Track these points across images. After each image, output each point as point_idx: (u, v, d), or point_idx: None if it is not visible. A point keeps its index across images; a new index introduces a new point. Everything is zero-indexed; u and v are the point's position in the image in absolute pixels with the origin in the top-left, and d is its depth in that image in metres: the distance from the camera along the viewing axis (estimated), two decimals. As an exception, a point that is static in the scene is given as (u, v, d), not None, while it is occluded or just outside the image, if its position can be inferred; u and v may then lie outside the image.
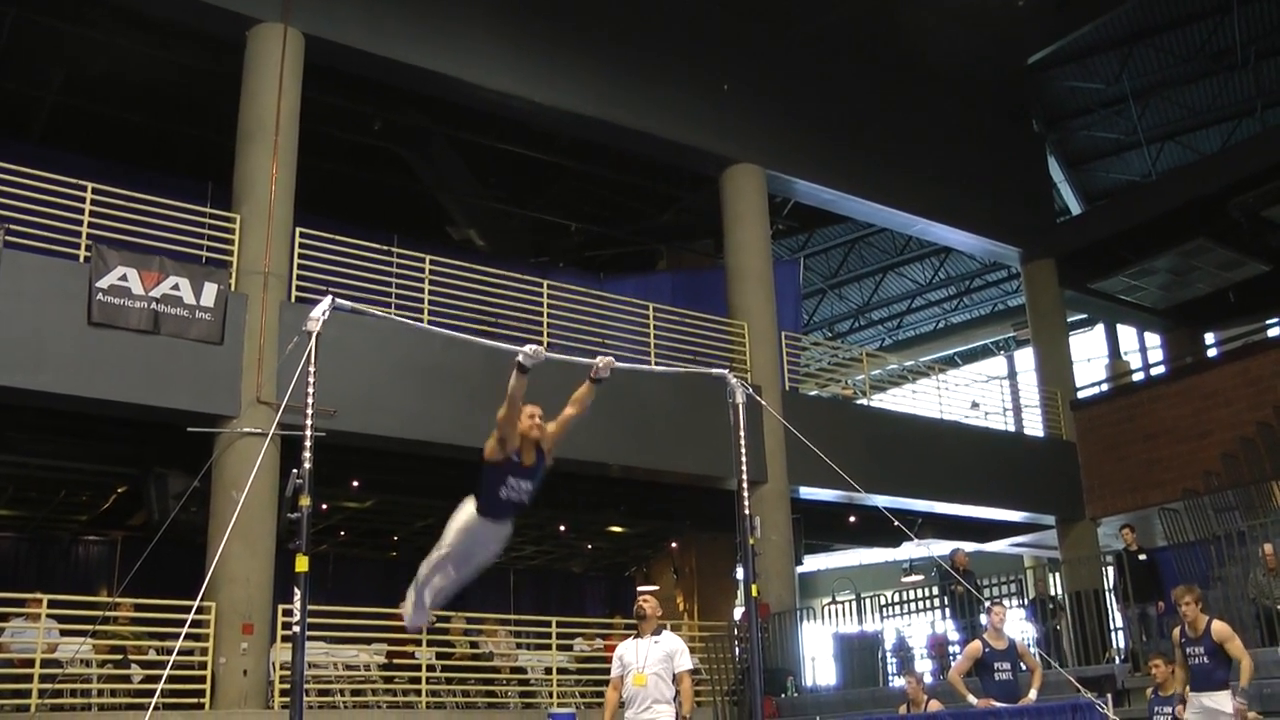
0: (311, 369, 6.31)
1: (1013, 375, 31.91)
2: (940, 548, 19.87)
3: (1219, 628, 9.04)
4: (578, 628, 18.00)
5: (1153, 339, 28.81)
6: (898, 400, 21.99)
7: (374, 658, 14.88)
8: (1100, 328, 29.39)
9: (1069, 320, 24.83)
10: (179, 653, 11.62)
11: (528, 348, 6.51)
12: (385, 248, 14.82)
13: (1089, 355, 30.01)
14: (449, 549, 6.84)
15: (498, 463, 6.60)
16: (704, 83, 18.34)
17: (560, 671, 16.13)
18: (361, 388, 13.48)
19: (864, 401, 20.81)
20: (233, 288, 13.22)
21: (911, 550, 26.52)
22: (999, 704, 9.90)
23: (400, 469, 17.80)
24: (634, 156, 19.07)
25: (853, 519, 22.48)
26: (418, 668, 14.61)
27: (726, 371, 8.04)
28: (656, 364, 14.57)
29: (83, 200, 12.59)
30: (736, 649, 15.81)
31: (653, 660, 7.64)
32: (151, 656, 12.84)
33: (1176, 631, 9.42)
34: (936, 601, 17.76)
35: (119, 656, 12.71)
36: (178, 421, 12.92)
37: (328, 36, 14.84)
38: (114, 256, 12.39)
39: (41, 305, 11.98)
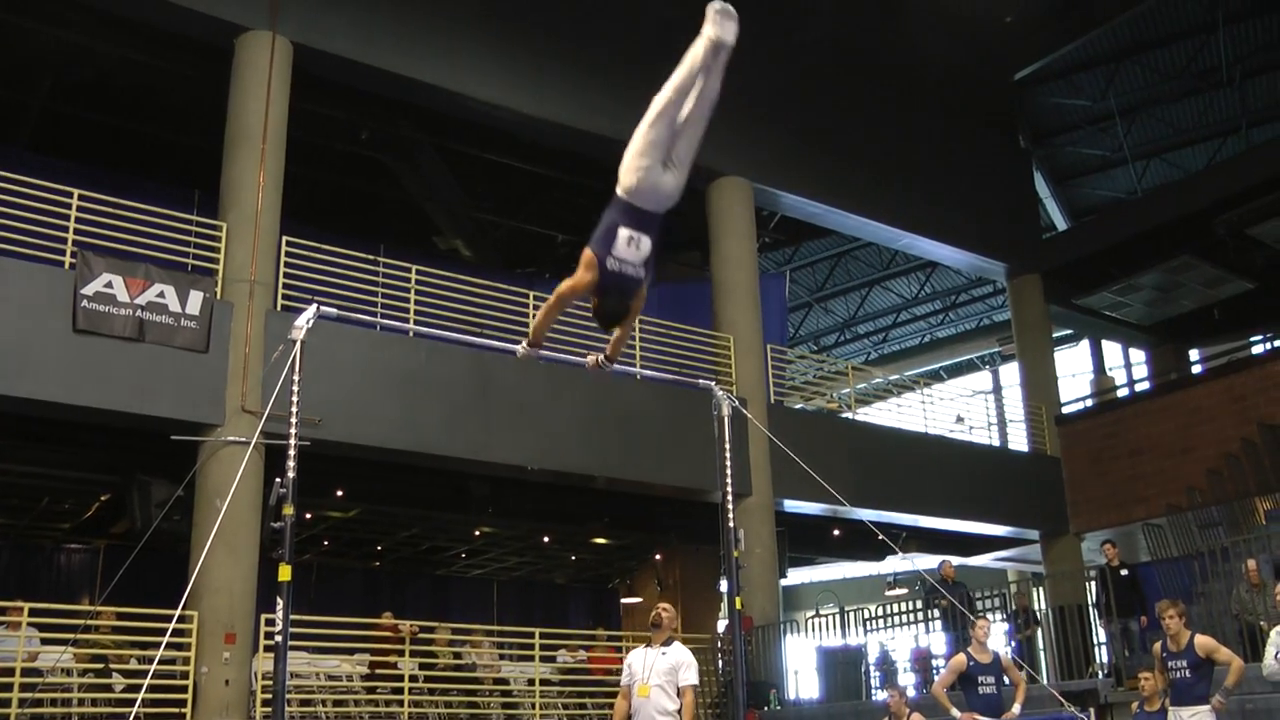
0: (296, 377, 6.31)
1: (998, 390, 32.04)
2: (924, 562, 19.91)
3: (1202, 641, 9.04)
4: (561, 639, 17.98)
5: (1137, 355, 28.94)
6: (883, 414, 22.04)
7: (356, 668, 14.85)
8: (1085, 343, 29.52)
9: (1054, 335, 24.90)
10: (161, 662, 11.50)
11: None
12: (371, 257, 14.80)
13: (1074, 370, 30.14)
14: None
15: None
16: (691, 95, 18.32)
17: (543, 683, 16.11)
18: (346, 397, 13.45)
19: (849, 415, 20.84)
20: (218, 296, 13.17)
21: (895, 564, 26.53)
22: (982, 718, 9.91)
23: (384, 478, 17.77)
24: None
25: (837, 532, 22.53)
26: (400, 678, 14.57)
27: (712, 384, 8.05)
28: (642, 376, 14.57)
29: (69, 207, 12.54)
30: (720, 662, 15.81)
31: (658, 672, 7.55)
32: (133, 666, 12.78)
33: (1158, 645, 9.42)
34: (920, 615, 17.76)
35: (100, 666, 12.64)
36: (162, 429, 12.85)
37: (316, 45, 14.82)
38: (99, 263, 12.35)
39: (26, 312, 11.92)
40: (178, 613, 7.40)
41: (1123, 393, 25.52)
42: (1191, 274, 22.02)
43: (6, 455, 16.07)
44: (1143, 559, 19.43)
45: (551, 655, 16.99)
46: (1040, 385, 22.70)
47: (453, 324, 14.64)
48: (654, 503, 19.39)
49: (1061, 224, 26.51)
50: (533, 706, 15.63)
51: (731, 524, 7.54)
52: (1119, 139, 24.27)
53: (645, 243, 5.75)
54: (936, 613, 16.39)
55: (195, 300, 12.84)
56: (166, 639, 7.11)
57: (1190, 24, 21.69)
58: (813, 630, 18.78)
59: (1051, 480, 21.45)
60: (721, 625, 18.18)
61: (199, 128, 16.50)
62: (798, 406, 20.81)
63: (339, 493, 18.81)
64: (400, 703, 14.41)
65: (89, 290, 12.19)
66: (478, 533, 22.98)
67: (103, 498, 18.97)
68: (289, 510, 5.99)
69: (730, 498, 7.64)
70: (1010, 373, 30.51)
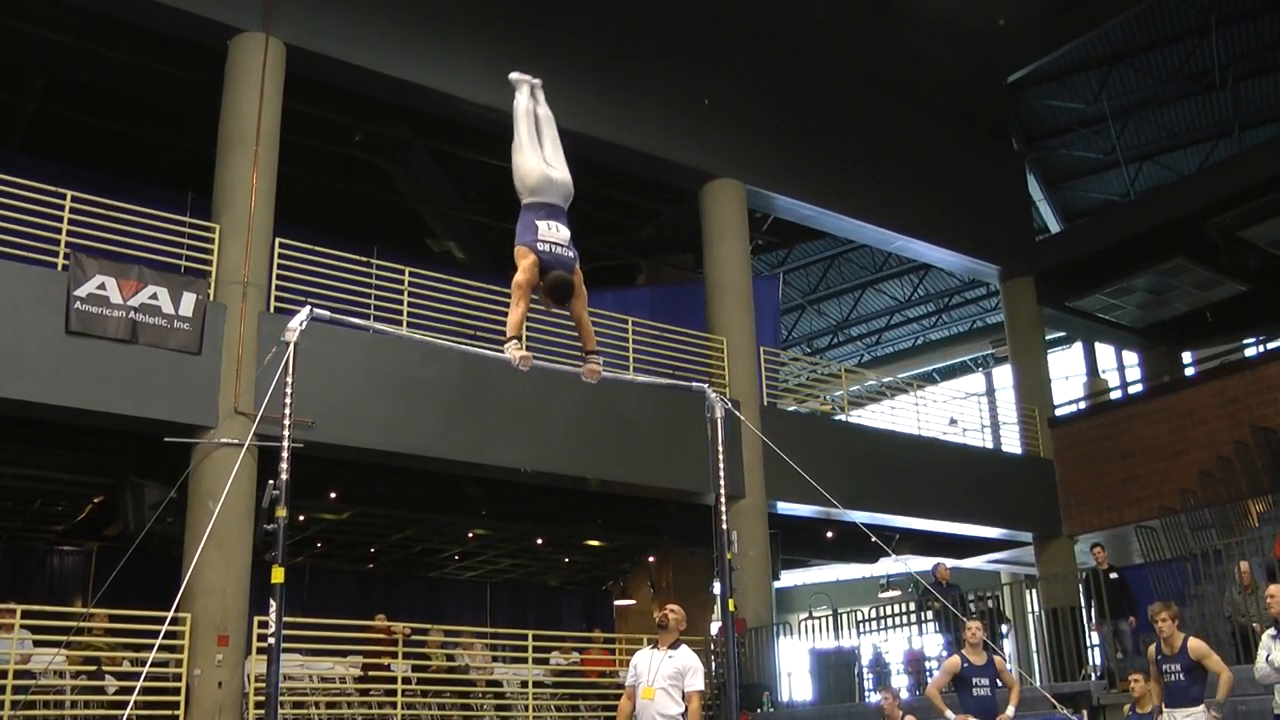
0: (289, 379, 6.31)
1: (991, 392, 32.06)
2: (918, 564, 19.91)
3: (1195, 645, 9.06)
4: (554, 641, 17.96)
5: (1130, 357, 28.98)
6: (876, 416, 22.04)
7: (349, 670, 14.82)
8: (1078, 346, 29.53)
9: (1047, 338, 24.93)
10: (153, 664, 11.52)
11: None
12: (365, 259, 14.77)
13: (1067, 373, 30.17)
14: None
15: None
16: (684, 97, 18.38)
17: (536, 685, 16.10)
18: (340, 399, 13.44)
19: (842, 417, 20.86)
20: (211, 297, 13.16)
21: (888, 566, 26.56)
22: (975, 720, 9.91)
23: (378, 481, 17.75)
24: (614, 171, 19.07)
25: (830, 534, 22.53)
26: (393, 680, 14.55)
27: (705, 386, 8.06)
28: (635, 378, 14.57)
29: (62, 208, 12.51)
30: (713, 664, 15.80)
31: (663, 675, 7.54)
32: (126, 668, 12.74)
33: (1152, 649, 9.43)
34: (913, 617, 17.76)
35: (93, 668, 12.60)
36: (155, 431, 12.83)
37: (309, 47, 14.81)
38: (93, 265, 12.33)
39: (19, 313, 11.89)
40: (170, 615, 7.40)
41: (1116, 395, 25.57)
42: (1184, 277, 22.04)
43: (-1, 457, 16.05)
44: (1135, 561, 19.45)
45: (545, 657, 16.97)
46: (1033, 388, 22.73)
47: (446, 326, 14.66)
48: (647, 505, 19.40)
49: (1054, 226, 26.56)
50: (526, 709, 15.62)
51: (724, 526, 7.55)
52: (1112, 142, 24.33)
53: (562, 228, 7.01)
54: (930, 615, 16.40)
55: (188, 302, 12.82)
56: (159, 641, 7.10)
57: (1183, 27, 21.74)
58: (806, 632, 18.77)
59: (1044, 482, 21.49)
60: (715, 627, 18.18)
61: (192, 129, 16.49)
62: (791, 409, 20.82)
63: (332, 495, 18.77)
64: (393, 705, 14.38)
65: (82, 292, 12.17)
66: (471, 535, 22.97)
67: (95, 500, 18.92)
68: (282, 512, 5.99)
69: (723, 500, 7.65)
70: (1003, 375, 30.56)
